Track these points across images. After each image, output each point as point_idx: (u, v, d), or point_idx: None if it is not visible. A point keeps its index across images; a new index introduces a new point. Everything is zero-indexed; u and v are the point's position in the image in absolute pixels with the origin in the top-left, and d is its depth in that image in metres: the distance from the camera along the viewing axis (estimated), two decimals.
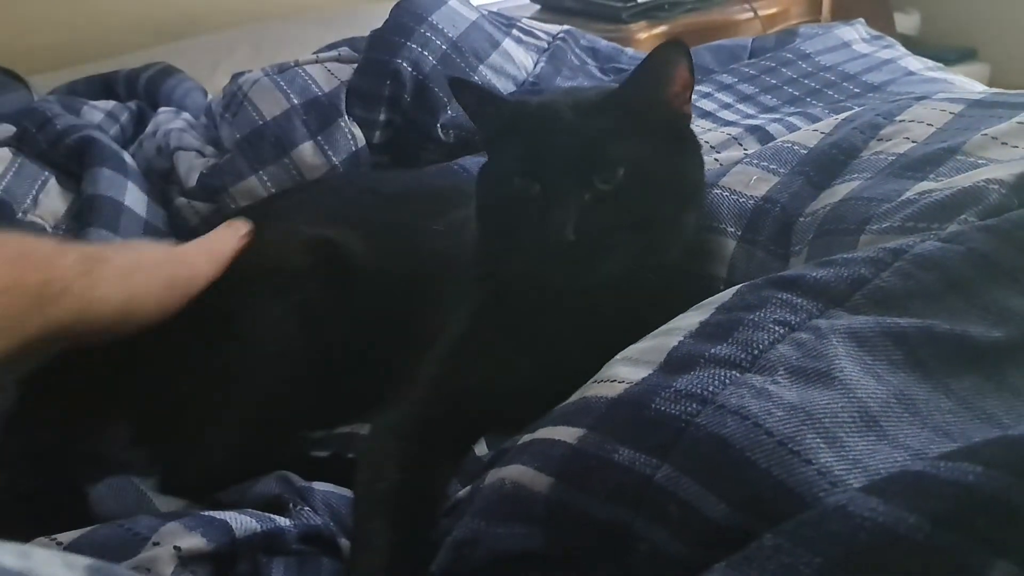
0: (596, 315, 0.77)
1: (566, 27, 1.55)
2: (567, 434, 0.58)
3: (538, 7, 2.47)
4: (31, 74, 1.63)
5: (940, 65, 1.26)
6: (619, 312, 0.75)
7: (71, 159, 1.20)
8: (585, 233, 0.73)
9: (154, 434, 0.93)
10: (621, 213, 0.74)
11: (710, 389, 0.55)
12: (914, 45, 1.39)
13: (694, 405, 0.54)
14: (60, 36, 2.04)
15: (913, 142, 0.81)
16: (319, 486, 0.76)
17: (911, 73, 1.19)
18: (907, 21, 2.88)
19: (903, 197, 0.73)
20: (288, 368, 0.89)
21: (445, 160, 1.23)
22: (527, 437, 0.63)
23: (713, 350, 0.58)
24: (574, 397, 0.64)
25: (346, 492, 0.76)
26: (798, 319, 0.59)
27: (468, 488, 0.69)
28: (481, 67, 1.31)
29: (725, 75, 1.22)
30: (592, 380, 0.64)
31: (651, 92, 0.77)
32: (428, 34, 1.28)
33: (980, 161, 0.74)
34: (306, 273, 0.92)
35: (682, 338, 0.62)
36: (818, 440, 0.51)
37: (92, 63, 1.81)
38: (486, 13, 1.44)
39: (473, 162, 1.19)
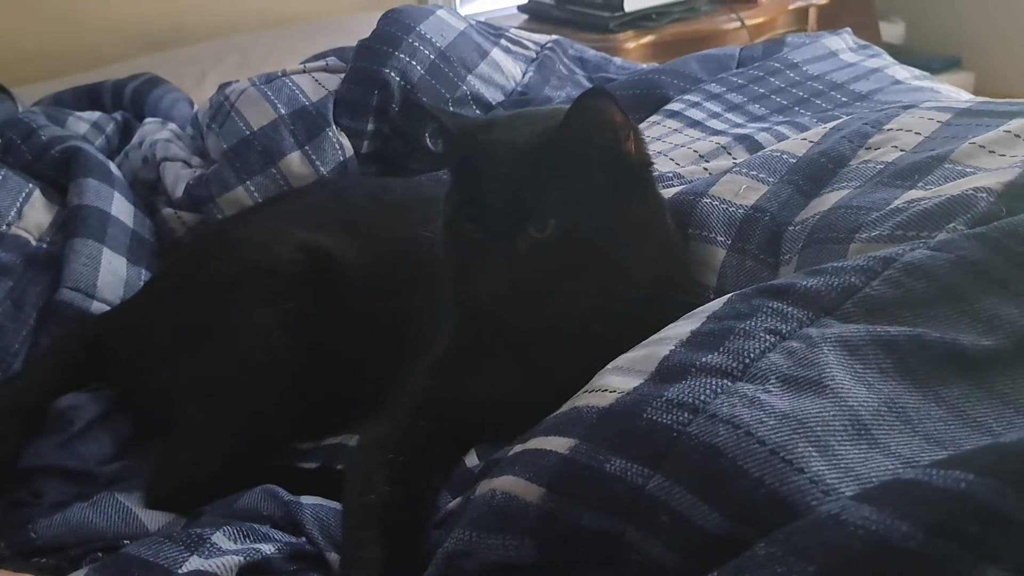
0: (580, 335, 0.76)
1: (555, 37, 1.55)
2: (558, 444, 0.58)
3: (525, 17, 2.47)
4: (15, 85, 1.62)
5: (927, 74, 1.27)
6: (604, 331, 0.75)
7: (56, 170, 1.19)
8: (521, 282, 0.72)
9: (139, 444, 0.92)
10: (559, 261, 0.73)
11: (701, 398, 0.55)
12: (899, 54, 1.40)
13: (686, 414, 0.54)
14: (44, 46, 2.03)
15: (901, 151, 0.82)
16: (307, 500, 0.76)
17: (898, 82, 1.19)
18: (893, 30, 2.90)
19: (892, 205, 0.73)
20: (276, 379, 0.88)
21: (433, 170, 1.22)
22: (518, 447, 0.63)
23: (704, 359, 0.58)
24: (565, 407, 0.63)
25: (335, 505, 0.75)
26: (789, 328, 0.59)
27: (459, 499, 0.69)
28: (469, 77, 1.31)
29: (713, 84, 1.22)
30: (583, 390, 0.64)
31: (584, 139, 0.74)
32: (416, 44, 1.28)
33: (968, 169, 0.74)
34: (297, 280, 0.92)
35: (673, 347, 0.62)
36: (810, 449, 0.51)
37: (77, 74, 1.80)
38: (474, 23, 1.44)
39: None
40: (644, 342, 0.66)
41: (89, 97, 1.56)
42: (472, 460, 0.76)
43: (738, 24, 2.30)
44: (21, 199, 1.13)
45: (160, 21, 2.16)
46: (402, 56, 1.26)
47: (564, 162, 0.74)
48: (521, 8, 2.50)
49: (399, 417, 0.78)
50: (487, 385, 0.77)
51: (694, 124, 1.14)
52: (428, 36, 1.30)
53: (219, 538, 0.70)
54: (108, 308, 1.06)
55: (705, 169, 0.99)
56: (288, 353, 0.88)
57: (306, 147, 1.21)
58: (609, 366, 0.65)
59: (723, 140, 1.05)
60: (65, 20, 2.07)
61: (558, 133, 0.74)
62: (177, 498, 0.83)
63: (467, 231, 0.76)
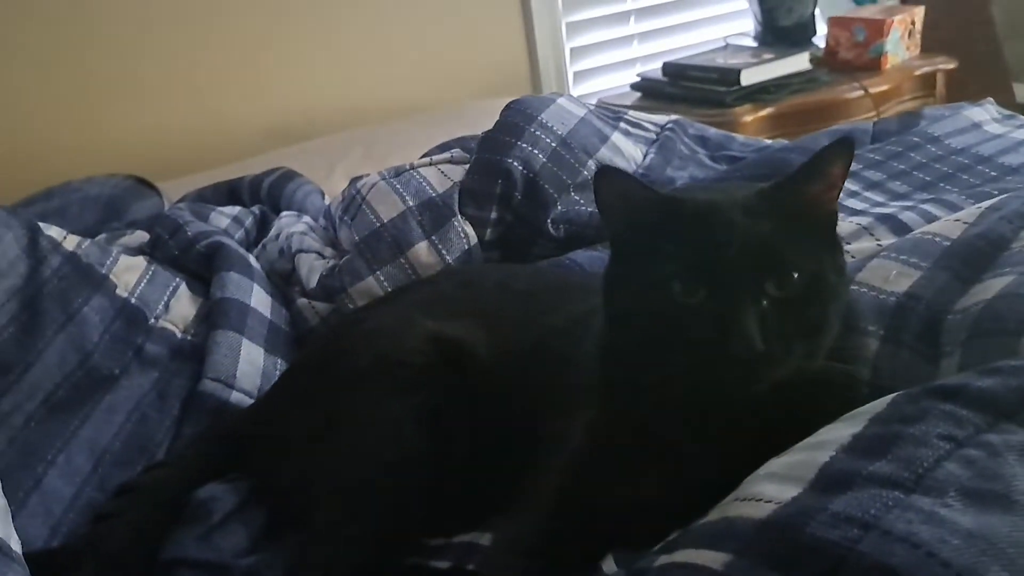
0: (731, 422, 0.72)
1: (674, 117, 1.54)
2: (712, 559, 0.54)
3: (638, 95, 2.48)
4: (161, 181, 1.74)
5: None
6: (756, 419, 0.71)
7: (201, 264, 1.25)
8: (766, 342, 0.67)
9: (274, 537, 0.93)
10: (793, 320, 0.68)
11: (872, 512, 0.51)
12: None
13: (855, 530, 0.50)
14: (186, 142, 2.17)
15: None
16: None
17: None
18: None
19: None
20: (409, 474, 0.87)
21: (555, 255, 1.22)
22: (665, 559, 0.59)
23: (871, 467, 0.54)
24: (714, 515, 0.60)
25: None
26: (965, 434, 0.55)
27: None
28: (590, 162, 1.32)
29: None
30: (734, 497, 0.60)
31: (812, 191, 0.71)
32: (538, 133, 1.30)
33: None
34: (427, 372, 0.91)
35: (834, 452, 0.57)
36: (1002, 573, 0.46)
37: (216, 168, 1.91)
38: (593, 108, 1.45)
39: (585, 256, 1.18)
40: (798, 445, 0.62)
41: (229, 192, 1.65)
42: (609, 565, 0.73)
43: (861, 92, 2.23)
44: (168, 293, 1.19)
45: (291, 115, 2.29)
46: (524, 145, 1.28)
47: (794, 215, 0.70)
48: (634, 86, 2.51)
49: (533, 520, 0.75)
50: (627, 486, 0.74)
51: None
52: (549, 124, 1.32)
53: None
54: (245, 397, 1.09)
55: (848, 252, 0.94)
56: (421, 446, 0.88)
57: (433, 236, 1.23)
58: (761, 471, 0.61)
59: (864, 220, 1.00)
60: (203, 118, 2.21)
61: (791, 184, 0.72)
62: None
63: (690, 294, 0.70)
